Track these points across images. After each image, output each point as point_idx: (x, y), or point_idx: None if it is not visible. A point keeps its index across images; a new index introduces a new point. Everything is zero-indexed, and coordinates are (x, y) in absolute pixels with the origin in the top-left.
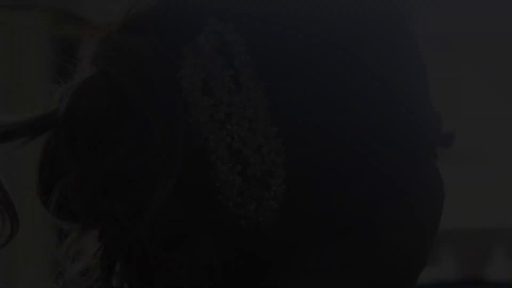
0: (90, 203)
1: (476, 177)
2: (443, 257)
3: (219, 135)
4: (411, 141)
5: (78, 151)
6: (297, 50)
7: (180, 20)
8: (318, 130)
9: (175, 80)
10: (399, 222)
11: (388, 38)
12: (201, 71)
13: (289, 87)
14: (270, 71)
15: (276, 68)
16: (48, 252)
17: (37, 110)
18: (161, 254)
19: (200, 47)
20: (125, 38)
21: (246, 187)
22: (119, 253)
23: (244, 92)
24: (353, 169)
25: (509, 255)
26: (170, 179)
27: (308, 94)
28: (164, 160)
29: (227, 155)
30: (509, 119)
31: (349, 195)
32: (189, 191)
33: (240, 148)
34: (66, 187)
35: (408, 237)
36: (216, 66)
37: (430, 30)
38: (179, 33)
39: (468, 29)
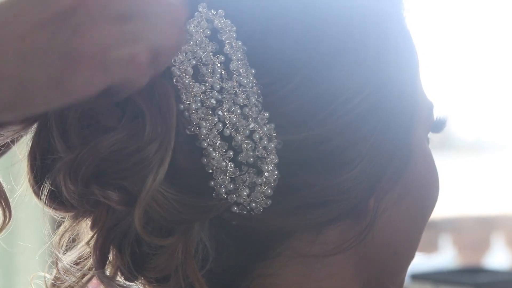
0: (83, 190)
1: (474, 165)
2: (442, 245)
3: (210, 122)
4: (403, 125)
5: (70, 139)
6: (287, 35)
7: None
8: (309, 115)
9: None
10: (392, 206)
11: (379, 21)
12: (192, 57)
13: (280, 72)
14: (261, 56)
15: (266, 53)
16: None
17: None
18: (154, 241)
19: (190, 34)
20: None
21: (238, 173)
22: (112, 241)
23: (235, 78)
24: (345, 154)
25: (508, 243)
26: (162, 166)
27: (299, 78)
28: (157, 147)
29: (219, 141)
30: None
31: (342, 180)
32: (182, 178)
33: (232, 134)
34: (58, 176)
35: (402, 221)
36: (206, 53)
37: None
38: None
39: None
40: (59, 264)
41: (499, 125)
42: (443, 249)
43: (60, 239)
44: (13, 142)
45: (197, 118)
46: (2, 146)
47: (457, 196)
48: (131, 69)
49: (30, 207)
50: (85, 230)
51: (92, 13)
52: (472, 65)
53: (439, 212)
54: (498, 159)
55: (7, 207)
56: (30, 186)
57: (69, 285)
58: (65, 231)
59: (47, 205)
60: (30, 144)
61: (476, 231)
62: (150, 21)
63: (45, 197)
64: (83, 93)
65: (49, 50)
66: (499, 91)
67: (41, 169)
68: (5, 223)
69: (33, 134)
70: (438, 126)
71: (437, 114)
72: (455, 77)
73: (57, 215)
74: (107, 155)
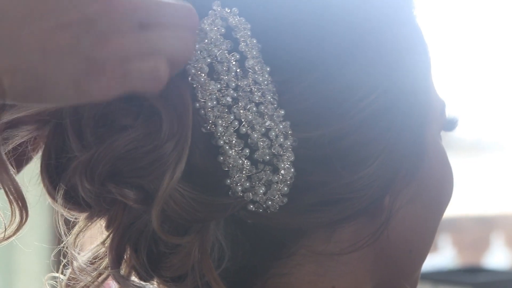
0: (100, 189)
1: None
2: (441, 245)
3: (226, 120)
4: (418, 122)
5: (86, 138)
6: (302, 32)
7: None
8: (325, 113)
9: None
10: (407, 204)
11: (392, 19)
12: (207, 56)
13: (295, 69)
14: (276, 54)
15: (281, 51)
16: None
17: None
18: (171, 239)
19: (205, 32)
20: None
21: (255, 171)
22: (128, 240)
23: (250, 76)
24: (361, 151)
25: (508, 243)
26: (179, 164)
27: (314, 76)
28: (173, 145)
29: (235, 139)
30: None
31: (358, 177)
32: (198, 176)
33: (248, 132)
34: (74, 175)
35: (417, 219)
36: (221, 51)
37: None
38: None
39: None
40: (75, 264)
41: (499, 126)
42: (443, 249)
43: (75, 239)
44: (34, 151)
45: (213, 116)
46: (24, 156)
47: (457, 196)
48: (150, 81)
49: (30, 208)
50: (100, 230)
51: (117, 21)
52: (472, 65)
53: None
54: (498, 159)
55: (24, 207)
56: (44, 186)
57: (85, 285)
58: (80, 231)
59: (62, 206)
60: (44, 143)
61: (476, 230)
62: (170, 29)
63: (60, 197)
64: (99, 97)
65: (72, 51)
66: (499, 92)
67: (56, 168)
68: (21, 223)
69: (47, 133)
70: (451, 124)
71: (449, 113)
72: (455, 77)
73: (71, 216)
74: (123, 154)
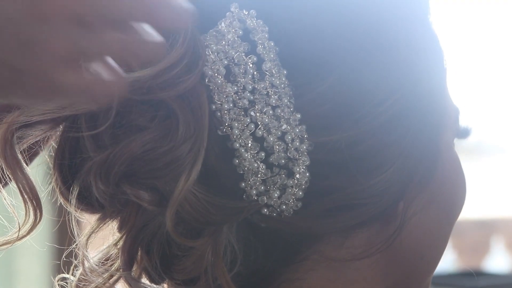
0: (115, 190)
1: (474, 168)
2: None
3: (243, 122)
4: (433, 128)
5: (101, 138)
6: (320, 36)
7: (202, 7)
8: (341, 117)
9: (198, 67)
10: (421, 210)
11: (409, 25)
12: (224, 58)
13: (312, 73)
14: (293, 57)
15: (299, 54)
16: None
17: None
18: (184, 242)
19: (222, 34)
20: None
21: (270, 175)
22: (141, 242)
23: (267, 79)
24: (377, 156)
25: (508, 247)
26: (195, 166)
27: (331, 80)
28: (189, 146)
29: (251, 142)
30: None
31: (374, 183)
32: (213, 179)
33: (264, 135)
34: (88, 175)
35: (430, 226)
36: (239, 53)
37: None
38: (201, 20)
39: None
40: (86, 264)
41: (500, 129)
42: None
43: (87, 240)
44: (41, 147)
45: (229, 119)
46: (31, 151)
47: None
48: (83, 97)
49: None
50: (111, 231)
51: (43, 22)
52: (473, 68)
53: None
54: (498, 162)
55: (38, 207)
56: (57, 186)
57: (96, 286)
58: (92, 231)
59: (75, 206)
60: (58, 143)
61: (476, 234)
62: (123, 27)
63: (73, 198)
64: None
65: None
66: (500, 95)
67: (69, 168)
68: (35, 223)
69: (60, 133)
70: (465, 132)
71: (463, 121)
72: (456, 80)
73: (83, 217)
74: (139, 155)
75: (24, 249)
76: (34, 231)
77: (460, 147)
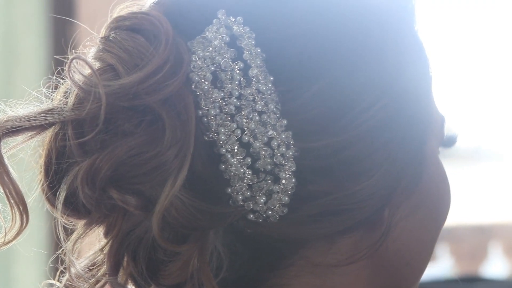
0: (101, 195)
1: (472, 174)
2: (439, 254)
3: (229, 128)
4: (419, 135)
5: (88, 143)
6: (306, 42)
7: (190, 14)
8: (328, 123)
9: (185, 73)
10: (407, 216)
11: (396, 32)
12: (211, 64)
13: (299, 79)
14: (280, 63)
15: (285, 60)
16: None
17: (38, 104)
18: (170, 247)
19: (209, 40)
20: (132, 32)
21: (256, 180)
22: (127, 247)
23: (253, 85)
24: (364, 162)
25: (506, 252)
26: (182, 171)
27: (317, 86)
28: (176, 152)
29: (237, 147)
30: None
31: (360, 188)
32: (199, 184)
33: (250, 141)
34: (75, 180)
35: (416, 232)
36: (225, 59)
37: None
38: (188, 26)
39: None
40: (72, 270)
41: (498, 134)
42: (441, 258)
43: (73, 245)
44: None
45: (215, 124)
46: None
47: (455, 204)
48: None
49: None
50: (98, 237)
51: None
52: (471, 73)
53: None
54: (496, 168)
55: (25, 212)
56: (43, 192)
57: None
58: (78, 237)
59: (61, 212)
60: (46, 148)
61: (474, 240)
62: None
63: (60, 203)
64: None
65: None
66: (498, 100)
67: (56, 174)
68: (21, 228)
69: (48, 138)
70: (450, 141)
71: (448, 129)
72: (454, 85)
73: (69, 222)
74: (125, 160)
75: (21, 255)
76: (21, 235)
77: (459, 153)
